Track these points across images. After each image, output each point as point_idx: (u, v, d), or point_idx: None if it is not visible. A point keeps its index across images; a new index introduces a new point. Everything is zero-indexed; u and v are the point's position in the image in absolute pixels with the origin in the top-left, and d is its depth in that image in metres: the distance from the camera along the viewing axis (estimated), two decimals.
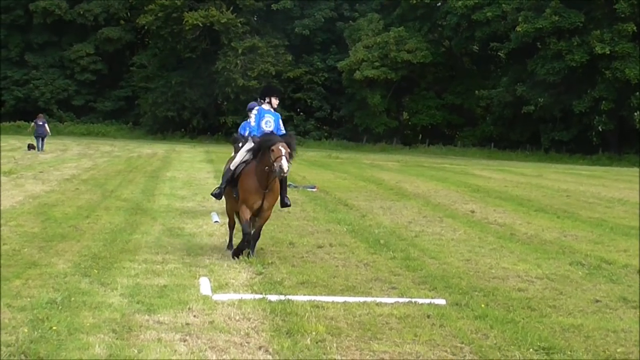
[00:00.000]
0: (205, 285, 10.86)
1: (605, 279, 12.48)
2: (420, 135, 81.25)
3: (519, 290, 11.47)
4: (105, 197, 21.97)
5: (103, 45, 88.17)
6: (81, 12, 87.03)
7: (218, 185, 14.22)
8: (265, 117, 13.69)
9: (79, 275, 11.30)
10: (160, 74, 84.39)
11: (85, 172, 30.36)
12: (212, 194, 14.19)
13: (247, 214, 12.94)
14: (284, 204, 13.89)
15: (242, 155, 13.55)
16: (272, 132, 13.31)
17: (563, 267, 13.39)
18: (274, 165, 12.46)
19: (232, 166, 13.54)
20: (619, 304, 10.87)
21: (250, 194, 12.91)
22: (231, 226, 14.27)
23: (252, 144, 13.30)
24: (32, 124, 50.35)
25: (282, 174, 12.54)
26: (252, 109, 14.87)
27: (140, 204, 20.50)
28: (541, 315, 10.06)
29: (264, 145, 12.77)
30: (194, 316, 9.35)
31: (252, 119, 13.85)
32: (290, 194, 23.97)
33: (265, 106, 13.80)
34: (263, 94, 14.06)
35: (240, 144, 14.94)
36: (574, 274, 12.80)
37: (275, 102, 13.88)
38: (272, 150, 12.53)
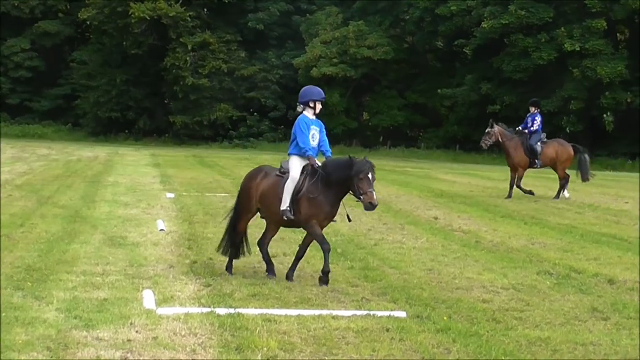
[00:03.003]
0: (148, 299, 10.81)
1: (575, 289, 12.59)
2: (382, 137, 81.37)
3: (483, 302, 11.54)
4: (41, 204, 21.78)
5: (40, 39, 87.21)
6: (16, 4, 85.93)
7: None
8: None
9: (11, 288, 11.19)
10: (102, 71, 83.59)
11: (19, 177, 30.06)
12: None
13: None
14: None
15: None
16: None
17: (530, 276, 13.49)
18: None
19: None
20: (589, 315, 10.98)
21: None
22: None
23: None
24: None
25: None
26: (309, 100, 13.12)
27: (79, 211, 20.35)
28: (506, 327, 10.13)
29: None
30: (136, 332, 9.29)
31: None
32: None
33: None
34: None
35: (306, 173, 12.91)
36: (541, 284, 12.89)
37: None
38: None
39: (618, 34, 72.89)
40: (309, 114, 13.11)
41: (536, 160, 27.21)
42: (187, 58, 78.18)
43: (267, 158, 54.62)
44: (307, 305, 10.97)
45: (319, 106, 13.15)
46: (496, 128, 27.48)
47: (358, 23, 77.35)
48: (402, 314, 10.55)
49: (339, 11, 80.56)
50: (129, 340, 8.92)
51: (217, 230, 17.67)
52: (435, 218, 21.53)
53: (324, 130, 13.27)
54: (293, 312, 10.46)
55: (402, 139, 79.08)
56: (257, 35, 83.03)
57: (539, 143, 27.32)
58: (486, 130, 27.60)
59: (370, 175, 12.25)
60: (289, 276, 12.74)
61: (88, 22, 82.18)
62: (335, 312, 10.52)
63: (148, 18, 76.75)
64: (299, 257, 12.96)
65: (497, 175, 41.85)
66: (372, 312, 10.58)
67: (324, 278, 12.47)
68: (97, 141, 78.23)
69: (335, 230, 18.34)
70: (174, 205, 22.27)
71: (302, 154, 12.88)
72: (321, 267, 12.54)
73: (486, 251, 16.21)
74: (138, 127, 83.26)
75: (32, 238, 15.72)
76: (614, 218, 23.04)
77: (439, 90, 74.13)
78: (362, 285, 12.38)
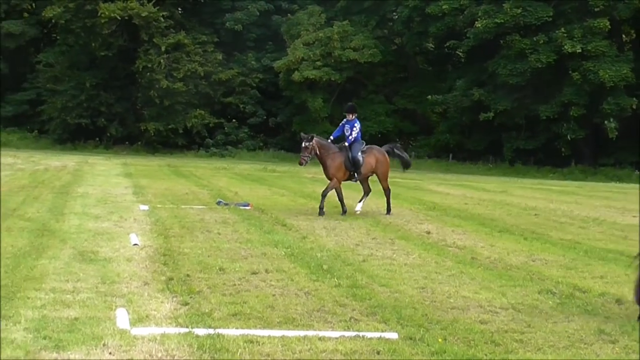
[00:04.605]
0: (122, 318, 10.75)
1: (580, 309, 12.57)
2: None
3: (481, 323, 11.52)
4: (6, 216, 21.68)
5: (3, 41, 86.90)
6: None
7: None
8: None
9: None
10: (70, 74, 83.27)
11: None
12: None
13: None
14: None
15: None
16: None
17: (531, 295, 13.48)
18: None
19: None
20: (595, 338, 10.96)
21: None
22: None
23: None
24: None
25: None
26: None
27: (47, 224, 20.26)
28: (506, 351, 10.11)
29: None
30: (110, 353, 9.24)
31: None
32: (221, 212, 23.93)
33: None
34: None
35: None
36: (543, 304, 12.89)
37: None
38: None
39: (623, 35, 72.75)
40: None
41: (356, 174, 26.54)
42: (161, 60, 77.92)
43: (246, 167, 54.54)
44: (291, 326, 10.93)
45: None
46: (314, 141, 26.70)
47: (342, 23, 77.29)
48: (393, 336, 10.52)
49: (321, 11, 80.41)
50: None
51: (194, 244, 17.63)
52: (428, 232, 21.52)
53: None
54: (277, 332, 10.42)
55: None
56: (235, 37, 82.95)
57: (360, 154, 26.72)
58: (303, 145, 26.63)
59: None
60: None
61: (54, 21, 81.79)
62: (321, 333, 10.48)
63: (119, 18, 76.45)
64: None
65: (493, 187, 41.91)
66: (361, 333, 10.53)
67: None
68: (65, 149, 77.94)
69: (321, 245, 18.33)
70: (148, 218, 22.19)
71: None
72: (306, 286, 12.48)
73: (483, 268, 16.19)
74: (109, 135, 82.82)
75: None
76: (621, 233, 23.03)
77: (428, 97, 73.95)
78: (350, 305, 12.34)
